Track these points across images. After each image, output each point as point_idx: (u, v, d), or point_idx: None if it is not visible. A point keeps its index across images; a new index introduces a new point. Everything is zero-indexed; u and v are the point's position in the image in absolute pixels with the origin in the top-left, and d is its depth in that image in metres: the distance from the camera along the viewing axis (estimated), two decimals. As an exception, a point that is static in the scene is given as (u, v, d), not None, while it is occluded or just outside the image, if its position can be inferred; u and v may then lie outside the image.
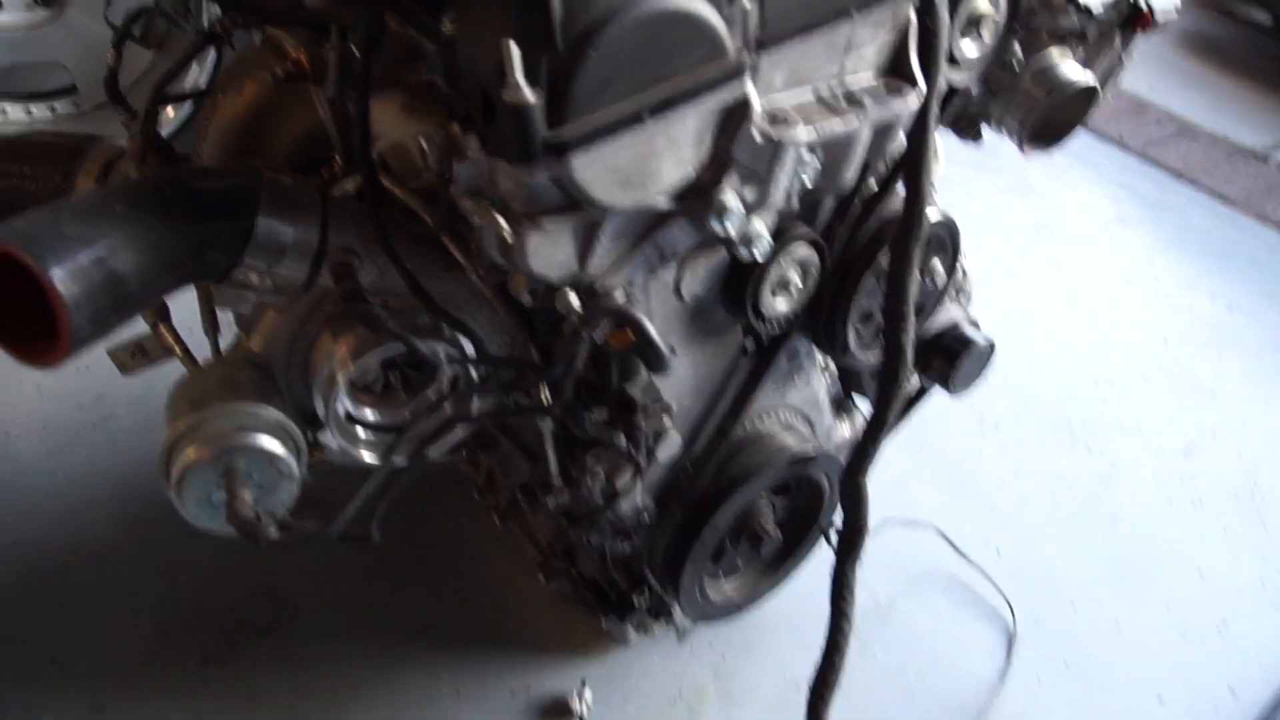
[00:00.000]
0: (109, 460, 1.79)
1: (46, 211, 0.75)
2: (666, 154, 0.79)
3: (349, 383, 0.96)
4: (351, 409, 1.00)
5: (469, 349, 0.98)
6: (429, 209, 0.93)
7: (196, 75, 2.33)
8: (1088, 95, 1.15)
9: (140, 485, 1.74)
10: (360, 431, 1.01)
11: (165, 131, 1.29)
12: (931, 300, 1.19)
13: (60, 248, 0.72)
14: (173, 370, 1.07)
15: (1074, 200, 2.66)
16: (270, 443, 0.90)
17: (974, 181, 2.53)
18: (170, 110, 2.31)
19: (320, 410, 0.98)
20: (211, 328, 1.10)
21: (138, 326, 1.07)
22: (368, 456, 1.01)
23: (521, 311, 0.95)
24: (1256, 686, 1.49)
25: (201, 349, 1.11)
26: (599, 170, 0.75)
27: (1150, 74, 3.21)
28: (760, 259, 0.90)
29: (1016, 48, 1.10)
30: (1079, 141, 2.94)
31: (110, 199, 0.78)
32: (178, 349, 1.11)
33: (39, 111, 2.43)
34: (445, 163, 0.81)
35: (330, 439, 1.02)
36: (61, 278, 0.72)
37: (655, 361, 0.84)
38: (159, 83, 1.18)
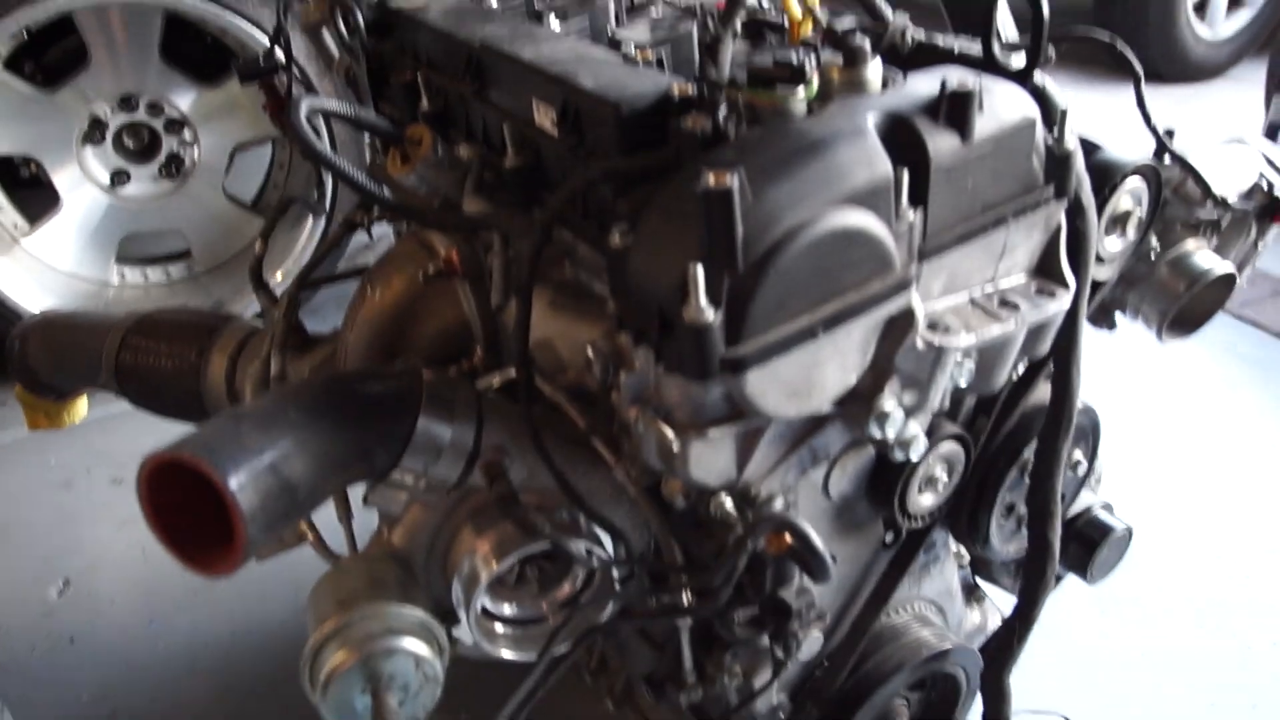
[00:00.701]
0: (210, 631, 1.79)
1: (228, 420, 0.77)
2: (832, 364, 0.78)
3: (491, 580, 0.95)
4: (489, 604, 0.99)
5: (610, 547, 0.96)
6: (579, 409, 0.93)
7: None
8: (1226, 283, 1.14)
9: (241, 658, 1.72)
10: (497, 626, 0.99)
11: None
12: (1072, 491, 1.16)
13: (240, 458, 0.74)
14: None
15: (1177, 365, 2.60)
16: (417, 646, 0.88)
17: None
18: (279, 275, 2.42)
19: (459, 606, 0.97)
20: (345, 515, 1.11)
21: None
22: (504, 652, 0.99)
23: (668, 511, 0.94)
24: None
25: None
26: (770, 383, 0.75)
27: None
28: (914, 460, 0.88)
29: (1153, 238, 1.10)
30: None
31: (285, 405, 0.80)
32: (311, 535, 1.12)
33: (155, 275, 2.55)
34: (609, 371, 0.82)
35: (465, 634, 1.00)
36: (239, 487, 0.73)
37: (818, 570, 0.82)
38: (304, 271, 1.23)
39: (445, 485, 0.90)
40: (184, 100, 2.34)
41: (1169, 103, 4.18)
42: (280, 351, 1.17)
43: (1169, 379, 2.53)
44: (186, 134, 2.39)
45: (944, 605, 1.22)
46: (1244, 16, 4.47)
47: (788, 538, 0.83)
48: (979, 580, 1.34)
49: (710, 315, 0.69)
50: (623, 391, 0.79)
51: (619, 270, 0.78)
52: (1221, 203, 1.09)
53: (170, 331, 1.42)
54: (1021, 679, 1.60)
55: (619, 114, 0.83)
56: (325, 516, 1.10)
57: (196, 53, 2.39)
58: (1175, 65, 4.30)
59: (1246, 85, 4.28)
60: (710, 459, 0.81)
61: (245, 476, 0.73)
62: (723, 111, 0.79)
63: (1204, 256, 1.13)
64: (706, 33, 1.03)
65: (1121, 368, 2.53)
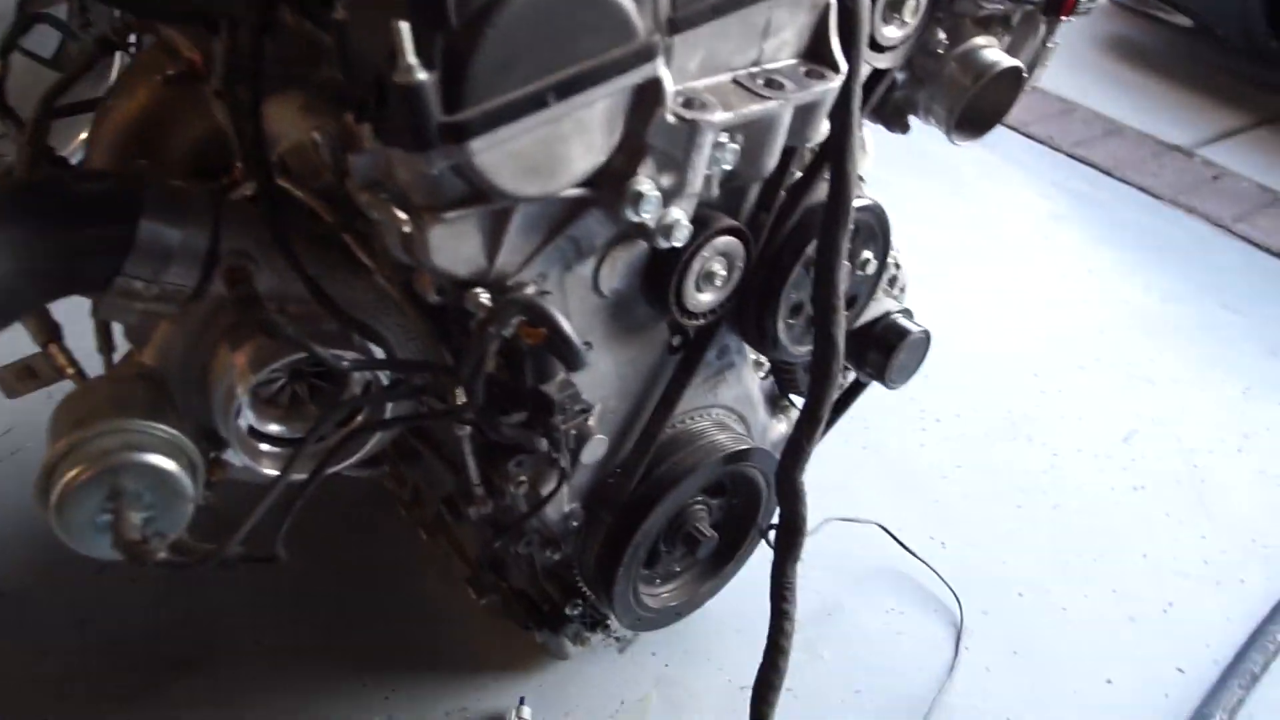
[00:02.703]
0: (20, 495, 1.70)
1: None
2: (575, 140, 0.74)
3: (251, 395, 0.91)
4: (256, 423, 0.94)
5: (378, 354, 0.93)
6: (329, 208, 0.87)
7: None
8: (1014, 80, 1.13)
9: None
10: (265, 447, 0.95)
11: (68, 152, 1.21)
12: (864, 291, 1.16)
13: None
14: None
15: (1007, 198, 2.67)
16: (161, 460, 0.84)
17: (907, 183, 2.52)
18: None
19: (221, 425, 0.92)
20: (105, 345, 1.04)
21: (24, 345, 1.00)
22: (269, 470, 0.95)
23: (430, 312, 0.90)
24: (1204, 665, 1.49)
25: (97, 369, 1.05)
26: (503, 157, 0.70)
27: (1077, 76, 3.26)
28: (679, 246, 0.86)
29: (941, 34, 1.08)
30: (1010, 142, 2.97)
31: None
32: (70, 370, 1.04)
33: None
34: (341, 157, 0.76)
35: (234, 456, 0.96)
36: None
37: (570, 358, 0.80)
38: (49, 93, 1.11)
39: (182, 294, 0.84)
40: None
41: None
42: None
43: (997, 210, 2.60)
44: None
45: (744, 413, 1.23)
46: None
47: (542, 329, 0.81)
48: (785, 393, 1.35)
49: (421, 75, 0.64)
50: (353, 174, 0.74)
51: (343, 44, 0.72)
52: (1008, -6, 1.07)
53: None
54: (839, 493, 1.67)
55: None
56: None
57: None
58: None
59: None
60: (453, 245, 0.77)
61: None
62: None
63: (992, 52, 1.11)
64: None
65: (952, 199, 2.59)
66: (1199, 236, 2.59)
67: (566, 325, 0.79)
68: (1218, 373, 2.09)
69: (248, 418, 0.92)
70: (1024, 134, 2.96)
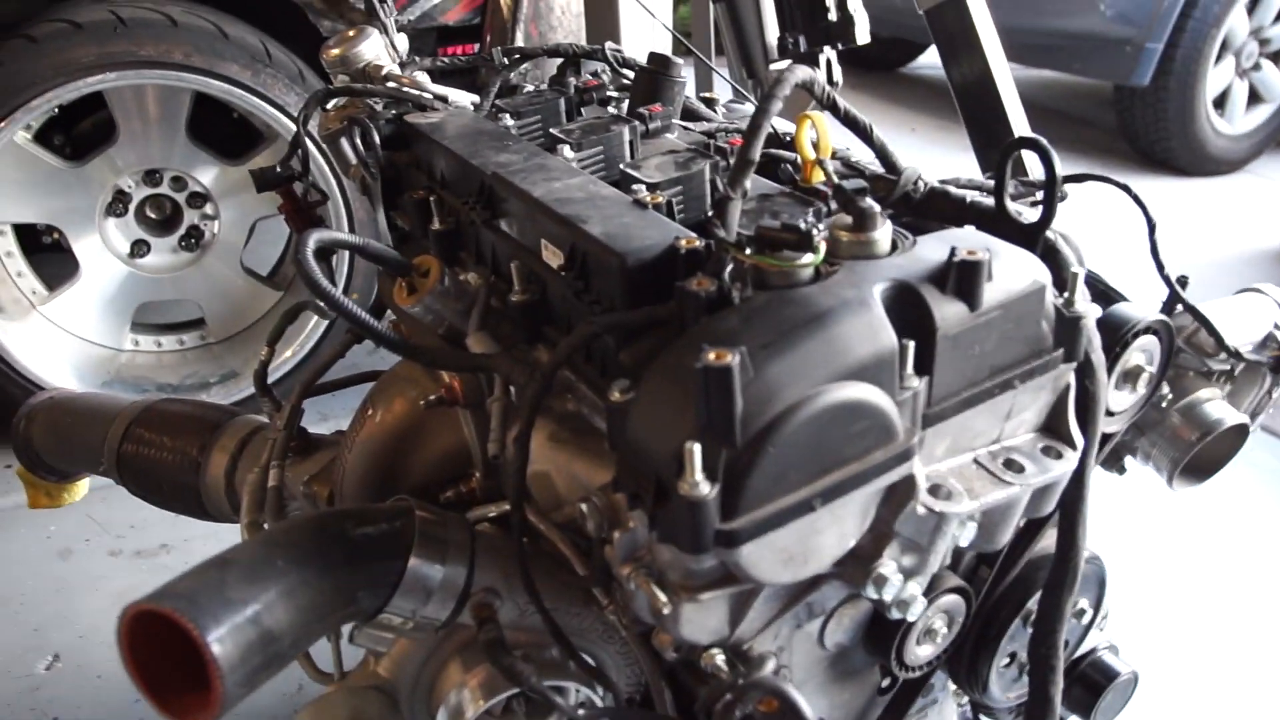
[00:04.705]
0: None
1: (213, 569, 0.76)
2: (830, 532, 0.77)
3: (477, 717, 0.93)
4: (475, 739, 0.97)
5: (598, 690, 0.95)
6: (574, 549, 0.92)
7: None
8: (1239, 433, 1.12)
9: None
10: (481, 765, 0.97)
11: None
12: (1076, 637, 1.13)
13: (221, 612, 0.73)
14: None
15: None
16: (396, 788, 0.86)
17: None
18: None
19: (443, 743, 0.95)
20: (334, 634, 1.09)
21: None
22: (485, 789, 0.97)
23: (660, 660, 0.92)
24: None
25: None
26: (765, 554, 0.73)
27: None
28: (912, 620, 0.86)
29: (1165, 387, 1.09)
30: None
31: (272, 551, 0.79)
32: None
33: (168, 343, 2.56)
34: (604, 527, 0.81)
35: (448, 770, 0.98)
36: (218, 641, 0.72)
37: (806, 738, 0.80)
38: (307, 380, 1.23)
39: (433, 625, 0.89)
40: (207, 175, 2.37)
41: (1188, 195, 4.20)
42: (279, 463, 1.16)
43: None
44: (208, 208, 2.42)
45: (943, 748, 1.19)
46: (1264, 112, 4.50)
47: (776, 703, 0.81)
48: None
49: (706, 490, 0.68)
50: (616, 550, 0.78)
51: (618, 426, 0.78)
52: (1234, 354, 1.08)
53: (174, 425, 1.42)
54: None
55: (624, 265, 0.82)
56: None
57: (222, 129, 2.43)
58: (1195, 157, 4.33)
59: (1266, 180, 4.30)
60: (702, 619, 0.79)
61: (225, 630, 0.72)
62: (729, 272, 0.79)
63: (1216, 406, 1.11)
64: (718, 172, 1.03)
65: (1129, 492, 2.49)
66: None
67: (806, 709, 0.79)
68: None
69: (469, 738, 0.95)
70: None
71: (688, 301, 0.77)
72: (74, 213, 2.33)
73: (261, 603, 0.74)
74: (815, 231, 0.77)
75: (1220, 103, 4.37)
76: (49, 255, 2.50)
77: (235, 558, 0.78)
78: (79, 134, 2.43)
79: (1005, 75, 1.97)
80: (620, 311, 0.83)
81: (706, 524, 0.69)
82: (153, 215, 2.42)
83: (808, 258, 0.77)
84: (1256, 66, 4.42)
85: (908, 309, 0.77)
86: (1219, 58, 4.24)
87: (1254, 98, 4.47)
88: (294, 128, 2.19)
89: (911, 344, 0.76)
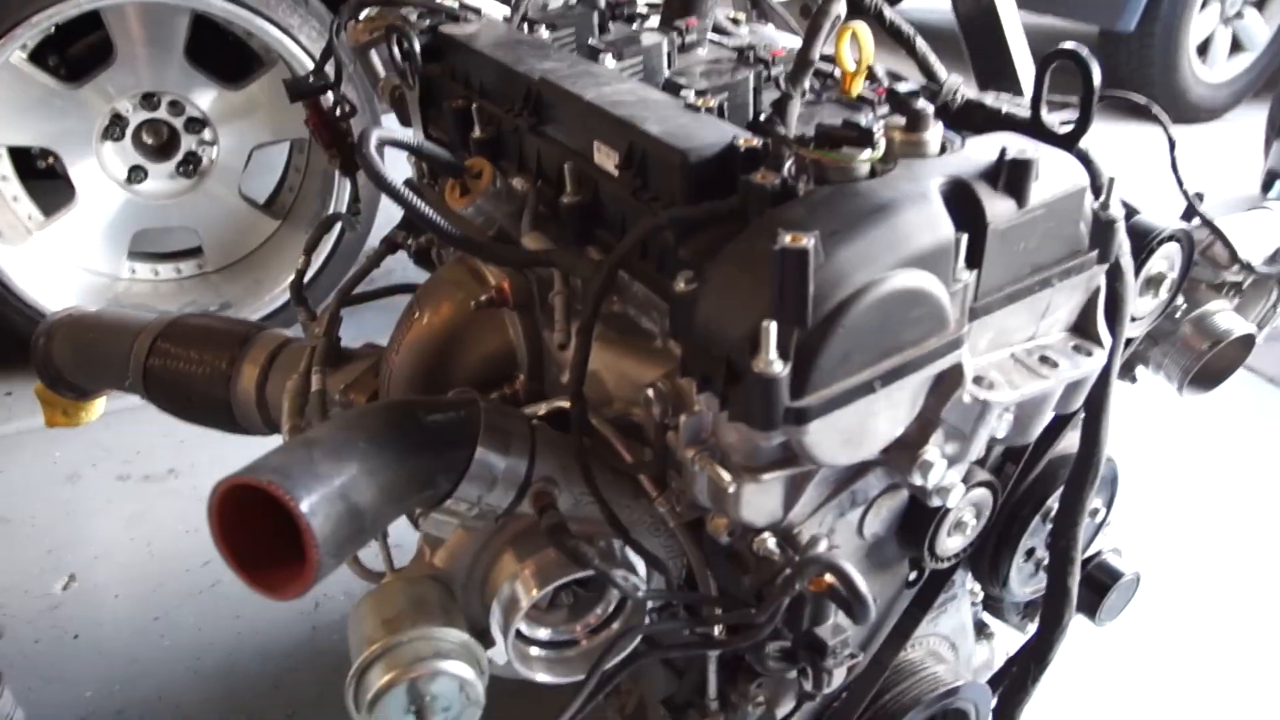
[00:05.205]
0: (215, 627, 1.80)
1: (299, 446, 0.79)
2: (885, 416, 0.81)
3: (531, 605, 0.98)
4: (525, 628, 1.01)
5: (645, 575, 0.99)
6: (626, 443, 0.95)
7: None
8: (1245, 343, 1.17)
9: (246, 654, 1.74)
10: (535, 651, 1.01)
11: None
12: (1088, 538, 1.19)
13: (313, 485, 0.76)
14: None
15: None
16: (462, 668, 0.90)
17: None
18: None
19: (497, 628, 0.99)
20: (382, 533, 1.13)
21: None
22: (539, 674, 1.01)
23: (705, 546, 0.96)
24: None
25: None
26: (827, 432, 0.77)
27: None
28: (950, 506, 0.91)
29: (1179, 298, 1.14)
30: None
31: (352, 433, 0.82)
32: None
33: (165, 271, 2.56)
34: (668, 413, 0.84)
35: (500, 655, 1.02)
36: (312, 512, 0.75)
37: (860, 613, 0.85)
38: (345, 287, 1.25)
39: (495, 513, 0.92)
40: (205, 99, 2.35)
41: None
42: (321, 369, 1.18)
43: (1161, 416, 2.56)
44: (206, 133, 2.40)
45: (957, 642, 1.25)
46: (1245, 60, 4.56)
47: (829, 578, 0.86)
48: (986, 617, 1.37)
49: (779, 368, 0.71)
50: (681, 433, 0.82)
51: (682, 316, 0.81)
52: (1246, 266, 1.13)
53: (201, 338, 1.43)
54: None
55: (686, 162, 0.85)
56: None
57: (220, 53, 2.40)
58: (1176, 105, 4.38)
59: (1244, 129, 4.37)
60: (761, 501, 0.83)
61: (317, 501, 0.75)
62: (790, 168, 0.82)
63: (1226, 317, 1.16)
64: (761, 80, 1.06)
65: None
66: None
67: (862, 583, 0.84)
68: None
69: (521, 623, 0.99)
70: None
71: (753, 194, 0.80)
72: (70, 136, 2.30)
73: (347, 478, 0.77)
74: (875, 128, 0.80)
75: (1203, 50, 4.42)
76: (45, 182, 2.47)
77: (319, 438, 0.81)
78: (74, 55, 2.39)
79: (1010, 6, 2.00)
80: (682, 207, 0.86)
81: (778, 401, 0.73)
82: (150, 140, 2.40)
83: (867, 153, 0.80)
84: (1239, 14, 4.47)
85: (961, 204, 0.81)
86: (1204, 3, 4.28)
87: (1236, 46, 4.53)
88: (295, 50, 2.19)
89: (964, 237, 0.79)
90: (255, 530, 0.78)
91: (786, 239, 0.70)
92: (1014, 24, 2.01)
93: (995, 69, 2.04)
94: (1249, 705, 1.76)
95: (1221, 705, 1.75)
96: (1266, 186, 3.73)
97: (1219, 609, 1.96)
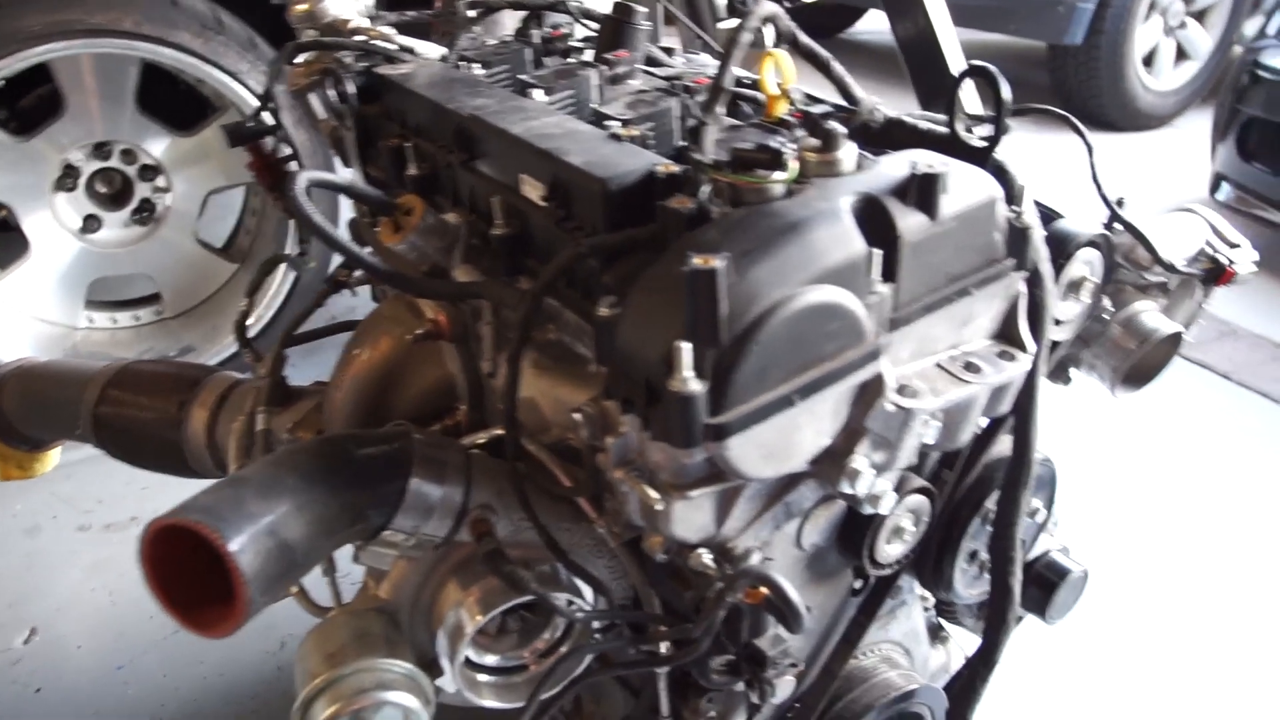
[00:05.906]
0: (180, 675, 1.79)
1: (228, 486, 0.80)
2: (808, 428, 0.83)
3: (476, 632, 0.98)
4: (472, 654, 1.01)
5: (590, 597, 1.00)
6: (563, 467, 0.97)
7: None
8: (1174, 341, 1.20)
9: (212, 700, 1.73)
10: (482, 677, 1.02)
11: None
12: (1030, 536, 1.21)
13: (241, 523, 0.76)
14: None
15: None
16: (405, 698, 0.91)
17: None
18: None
19: (444, 656, 1.00)
20: (329, 567, 1.13)
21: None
22: (487, 700, 1.02)
23: (647, 564, 0.97)
24: None
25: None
26: (749, 447, 0.79)
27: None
28: (883, 514, 0.93)
29: (1105, 300, 1.17)
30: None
31: (282, 470, 0.83)
32: (294, 588, 1.14)
33: (123, 319, 2.55)
34: (596, 435, 0.86)
35: (449, 683, 1.03)
36: (240, 549, 0.76)
37: (793, 622, 0.86)
38: (289, 329, 1.26)
39: (433, 543, 0.93)
40: (158, 147, 2.36)
41: (1118, 149, 4.34)
42: (266, 409, 1.19)
43: (1116, 415, 2.60)
44: (160, 180, 2.40)
45: (910, 647, 1.26)
46: (1190, 68, 4.66)
47: (764, 590, 0.87)
48: (943, 621, 1.38)
49: (696, 387, 0.73)
50: (610, 455, 0.83)
51: (606, 340, 0.83)
52: (1169, 267, 1.16)
53: (150, 384, 1.43)
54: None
55: (606, 190, 0.87)
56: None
57: (172, 100, 2.41)
58: (1124, 114, 4.47)
59: (1190, 134, 4.46)
60: (691, 517, 0.85)
61: (246, 539, 0.75)
62: (706, 191, 0.84)
63: (1153, 317, 1.19)
64: (686, 110, 1.08)
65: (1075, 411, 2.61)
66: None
67: (793, 593, 0.85)
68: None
69: (468, 650, 1.00)
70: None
71: (670, 219, 0.83)
72: (22, 189, 2.30)
73: (276, 515, 0.78)
74: (786, 150, 0.82)
75: (1149, 61, 4.52)
76: (-2, 235, 2.47)
77: (248, 477, 0.82)
78: (24, 108, 2.39)
79: (947, 27, 2.05)
80: (603, 235, 0.88)
81: (697, 419, 0.75)
82: (103, 189, 2.40)
83: (781, 175, 0.83)
84: (1182, 25, 4.58)
85: (873, 220, 0.83)
86: (1147, 16, 4.38)
87: (1180, 55, 4.64)
88: (246, 95, 2.21)
89: (879, 252, 0.82)
90: (188, 570, 0.79)
91: (696, 261, 0.72)
92: (952, 45, 2.06)
93: (935, 88, 2.09)
94: (1206, 698, 1.78)
95: (1180, 698, 1.77)
96: (1214, 188, 3.81)
97: (1176, 604, 1.98)
